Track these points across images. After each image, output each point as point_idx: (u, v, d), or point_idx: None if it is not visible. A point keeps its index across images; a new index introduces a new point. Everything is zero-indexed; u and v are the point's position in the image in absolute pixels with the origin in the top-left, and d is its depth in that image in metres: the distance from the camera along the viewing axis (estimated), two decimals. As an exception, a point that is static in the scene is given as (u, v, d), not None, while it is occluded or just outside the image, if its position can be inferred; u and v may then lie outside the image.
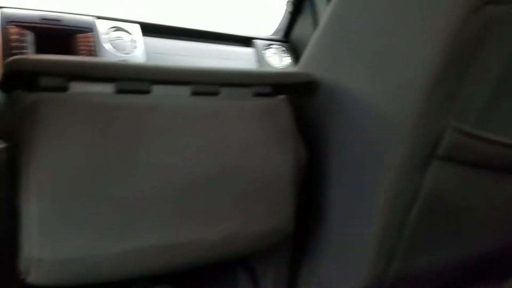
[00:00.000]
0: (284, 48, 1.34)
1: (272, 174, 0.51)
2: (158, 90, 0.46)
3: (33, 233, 0.40)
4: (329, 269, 0.58)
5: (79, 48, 1.01)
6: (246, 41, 1.30)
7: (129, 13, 1.16)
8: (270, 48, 1.32)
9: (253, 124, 0.50)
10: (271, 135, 0.51)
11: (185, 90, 0.48)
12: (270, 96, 0.53)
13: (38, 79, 0.41)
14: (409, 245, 0.53)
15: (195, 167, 0.46)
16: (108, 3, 1.21)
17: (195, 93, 0.48)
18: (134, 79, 0.45)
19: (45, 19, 0.99)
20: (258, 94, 0.52)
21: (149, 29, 1.14)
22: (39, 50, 0.96)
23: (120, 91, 0.44)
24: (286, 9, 1.34)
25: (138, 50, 1.09)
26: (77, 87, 0.42)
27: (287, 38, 1.38)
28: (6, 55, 0.91)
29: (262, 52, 1.29)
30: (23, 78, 0.41)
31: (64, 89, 0.42)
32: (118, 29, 1.09)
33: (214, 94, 0.50)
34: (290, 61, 1.33)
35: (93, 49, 1.03)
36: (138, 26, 1.12)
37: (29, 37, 0.96)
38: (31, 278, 0.42)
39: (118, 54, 1.06)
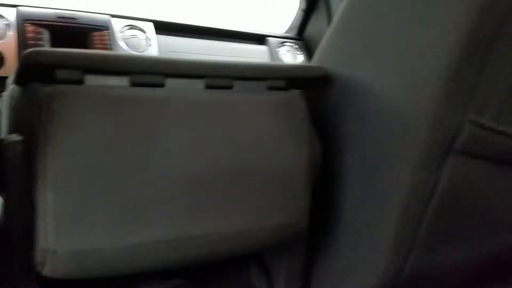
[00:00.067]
0: (297, 46, 1.34)
1: (287, 168, 0.51)
2: (172, 83, 0.46)
3: (49, 225, 0.40)
4: (344, 266, 0.57)
5: (95, 46, 1.02)
6: (259, 39, 1.30)
7: (142, 11, 1.17)
8: (283, 46, 1.31)
9: (267, 118, 0.50)
10: (285, 129, 0.51)
11: (199, 84, 0.48)
12: (285, 90, 0.53)
13: (55, 71, 0.41)
14: (426, 242, 0.52)
15: (209, 161, 0.46)
16: (123, 1, 1.22)
17: (209, 87, 0.48)
18: (148, 72, 0.45)
19: (61, 17, 1.01)
20: (273, 88, 0.52)
21: (162, 27, 1.15)
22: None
23: (134, 84, 0.45)
24: (300, 7, 1.34)
25: (152, 48, 1.10)
26: (92, 80, 0.43)
27: (301, 36, 1.37)
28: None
29: (276, 50, 1.29)
30: (40, 71, 0.42)
31: (80, 81, 0.42)
32: (132, 27, 1.10)
33: (228, 87, 0.49)
34: (304, 58, 1.32)
35: (108, 47, 1.04)
36: (151, 24, 1.13)
37: (45, 35, 0.98)
38: (46, 271, 0.42)
39: (133, 52, 1.07)
